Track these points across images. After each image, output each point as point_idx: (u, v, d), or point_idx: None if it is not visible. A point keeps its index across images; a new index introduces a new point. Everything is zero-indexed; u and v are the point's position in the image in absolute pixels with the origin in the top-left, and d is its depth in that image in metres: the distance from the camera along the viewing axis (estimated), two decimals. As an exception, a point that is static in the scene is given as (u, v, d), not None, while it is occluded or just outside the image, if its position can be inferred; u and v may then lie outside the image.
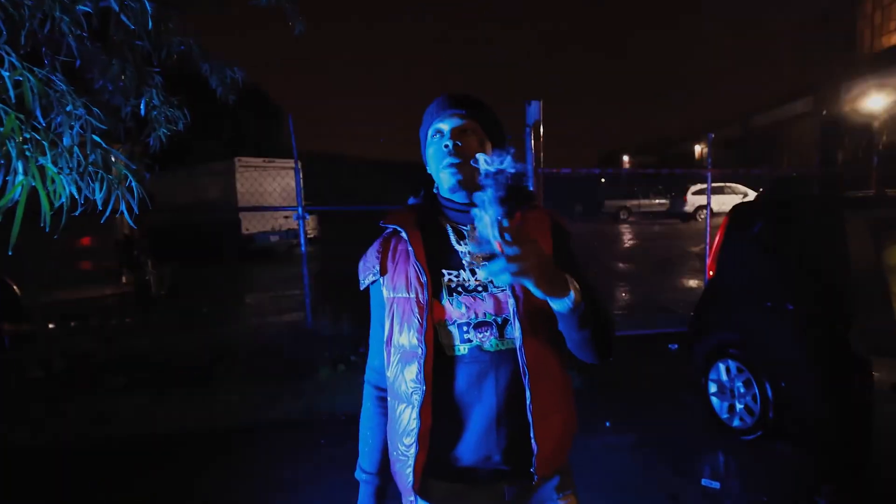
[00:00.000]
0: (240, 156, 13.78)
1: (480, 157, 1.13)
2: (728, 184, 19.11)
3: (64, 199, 1.17)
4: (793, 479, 2.90)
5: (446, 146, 1.14)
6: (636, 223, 21.43)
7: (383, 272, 1.19)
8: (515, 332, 1.09)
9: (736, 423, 3.38)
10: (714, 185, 6.47)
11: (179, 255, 10.12)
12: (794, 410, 3.01)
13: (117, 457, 3.33)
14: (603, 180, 25.01)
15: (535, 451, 1.09)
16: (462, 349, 1.11)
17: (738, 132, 23.69)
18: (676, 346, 5.09)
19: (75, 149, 1.28)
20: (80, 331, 5.83)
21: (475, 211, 0.88)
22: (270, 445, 3.43)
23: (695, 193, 19.64)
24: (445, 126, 1.16)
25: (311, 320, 5.38)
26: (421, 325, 1.10)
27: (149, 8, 1.62)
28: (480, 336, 1.10)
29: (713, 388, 3.56)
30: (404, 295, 1.13)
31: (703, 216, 18.87)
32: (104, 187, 1.31)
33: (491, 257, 0.88)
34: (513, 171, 0.94)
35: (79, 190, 1.25)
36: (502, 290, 1.11)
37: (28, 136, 1.09)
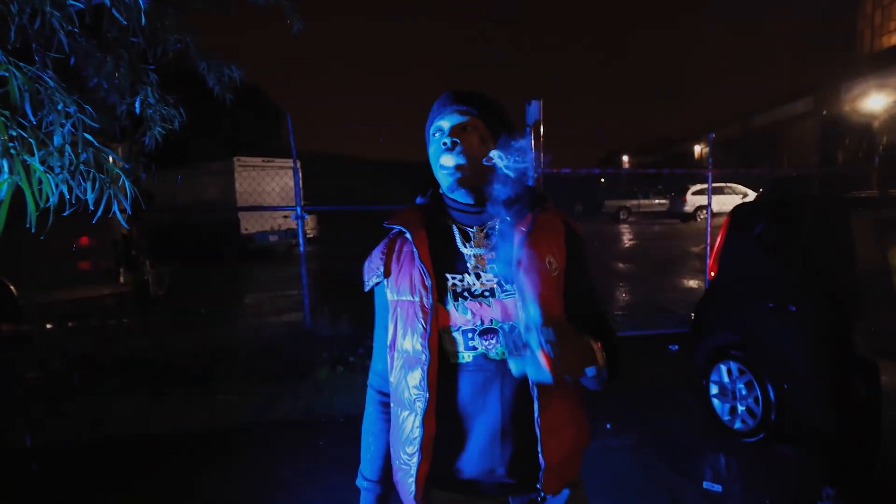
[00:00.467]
0: (239, 155, 13.77)
1: (495, 153, 1.09)
2: (728, 184, 19.11)
3: (54, 199, 1.14)
4: (795, 482, 2.87)
5: (444, 144, 1.11)
6: (636, 223, 21.41)
7: (387, 274, 1.15)
8: None
9: (737, 425, 3.35)
10: (714, 185, 6.44)
11: (178, 255, 10.10)
12: (796, 413, 2.99)
13: (115, 457, 3.31)
14: (603, 180, 24.99)
15: (543, 466, 1.06)
16: (466, 357, 1.07)
17: (738, 132, 23.69)
18: (677, 346, 5.06)
19: (67, 147, 1.25)
20: (78, 331, 5.80)
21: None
22: (269, 446, 3.41)
23: (694, 193, 19.63)
24: (446, 123, 1.13)
25: (309, 321, 5.35)
26: (425, 329, 1.06)
27: (142, 4, 1.59)
28: (486, 343, 1.07)
29: (714, 389, 3.53)
30: (408, 298, 1.10)
31: (702, 216, 18.88)
32: (96, 187, 1.28)
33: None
34: (523, 167, 0.91)
35: (70, 190, 1.22)
36: (510, 296, 1.07)
37: (14, 133, 1.06)
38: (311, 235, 15.43)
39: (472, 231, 1.14)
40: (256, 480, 3.00)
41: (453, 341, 1.08)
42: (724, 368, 3.47)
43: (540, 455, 1.05)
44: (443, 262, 1.11)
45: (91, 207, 1.29)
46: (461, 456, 1.08)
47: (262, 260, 13.13)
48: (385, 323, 1.17)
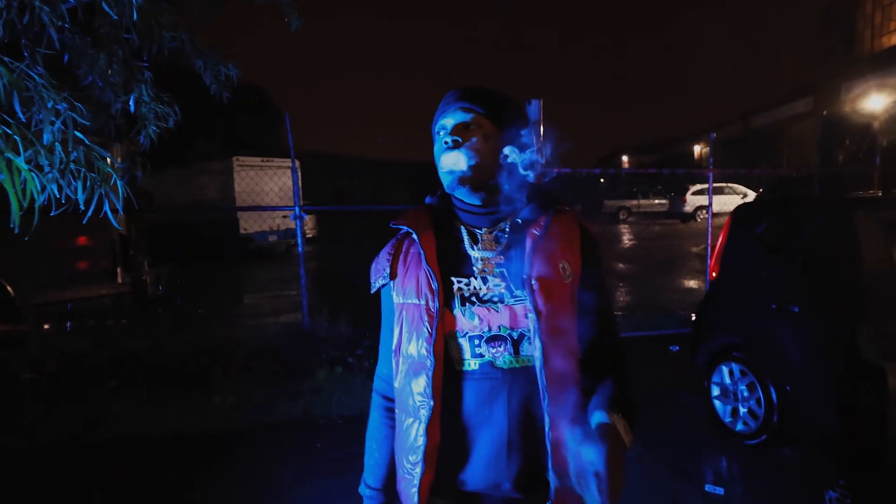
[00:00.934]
0: (238, 155, 13.74)
1: (508, 149, 1.06)
2: (728, 184, 19.10)
3: (43, 199, 1.11)
4: (798, 485, 2.85)
5: (446, 143, 1.07)
6: (636, 223, 21.39)
7: (393, 276, 1.11)
8: (535, 350, 1.00)
9: (739, 427, 3.32)
10: (714, 185, 6.42)
11: (177, 254, 10.07)
12: (799, 415, 2.96)
13: (111, 460, 3.27)
14: (602, 180, 24.97)
15: (553, 484, 1.00)
16: (472, 364, 1.03)
17: (738, 132, 23.67)
18: (677, 347, 5.03)
19: (57, 146, 1.22)
20: (75, 331, 5.76)
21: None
22: (267, 448, 3.38)
23: (694, 194, 19.62)
24: (449, 121, 1.09)
25: (308, 321, 5.32)
26: (430, 334, 1.02)
27: (133, -1, 1.56)
28: (493, 351, 1.02)
29: (716, 391, 3.51)
30: (414, 301, 1.06)
31: (702, 216, 18.88)
32: (87, 186, 1.25)
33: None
34: (534, 166, 0.88)
35: (60, 189, 1.19)
36: (520, 302, 1.03)
37: (-1, 130, 1.03)
38: (309, 235, 15.42)
39: (480, 233, 1.10)
40: (253, 484, 2.97)
41: (459, 348, 1.04)
42: (725, 370, 3.44)
43: (550, 471, 1.00)
44: (449, 265, 1.07)
45: (82, 207, 1.26)
46: (466, 467, 1.04)
47: (261, 260, 13.10)
48: (391, 326, 1.14)
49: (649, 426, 3.58)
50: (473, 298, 1.04)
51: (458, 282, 1.06)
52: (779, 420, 3.04)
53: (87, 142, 1.25)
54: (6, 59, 1.08)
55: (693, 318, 3.93)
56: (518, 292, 1.03)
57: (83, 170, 1.23)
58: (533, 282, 1.01)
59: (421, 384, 1.03)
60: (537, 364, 1.00)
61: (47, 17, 1.30)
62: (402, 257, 1.12)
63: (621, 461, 0.86)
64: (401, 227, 1.13)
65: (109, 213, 1.27)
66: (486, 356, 1.02)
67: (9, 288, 5.43)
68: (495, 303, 1.04)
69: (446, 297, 1.05)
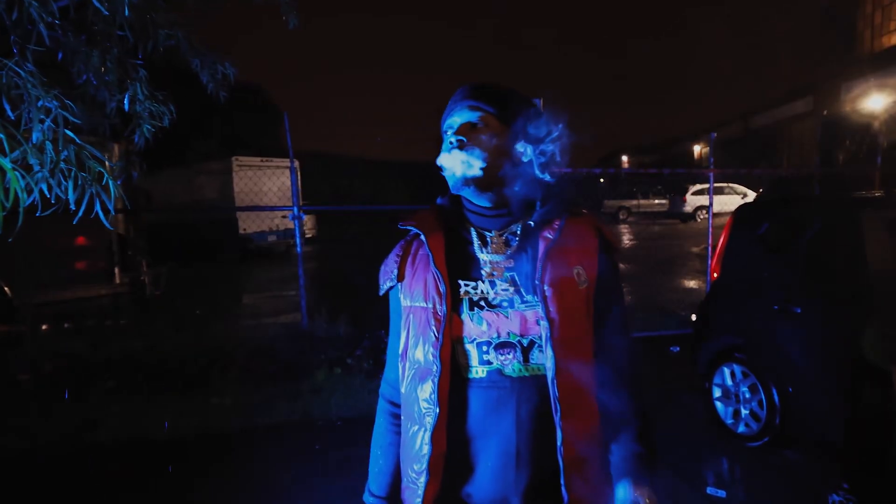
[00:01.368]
0: (237, 155, 13.71)
1: (520, 148, 1.02)
2: (728, 184, 19.09)
3: (31, 199, 1.08)
4: (801, 488, 2.82)
5: (451, 142, 1.04)
6: (636, 223, 21.37)
7: (401, 278, 1.08)
8: (547, 360, 0.96)
9: (741, 428, 3.30)
10: (715, 185, 6.39)
11: (176, 254, 10.03)
12: (802, 417, 2.94)
13: (108, 462, 3.25)
14: (602, 180, 24.95)
15: (566, 501, 0.96)
16: (480, 371, 0.99)
17: (738, 132, 23.65)
18: (678, 348, 5.01)
19: (47, 144, 1.19)
20: (73, 332, 5.73)
21: None
22: (264, 450, 3.35)
23: (694, 194, 19.61)
24: (456, 120, 1.05)
25: (306, 322, 5.29)
26: (437, 339, 0.99)
27: (124, -7, 1.53)
28: (502, 358, 0.98)
29: (717, 392, 3.48)
30: (421, 304, 1.03)
31: (702, 216, 18.85)
32: (78, 186, 1.22)
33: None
34: (549, 166, 0.85)
35: (49, 188, 1.16)
36: (531, 308, 0.98)
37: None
38: (309, 235, 15.40)
39: (490, 235, 1.06)
40: (251, 487, 2.94)
41: (466, 354, 1.00)
42: (727, 371, 3.42)
43: (563, 489, 0.95)
44: (458, 268, 1.03)
45: (72, 207, 1.23)
46: (472, 479, 1.00)
47: (260, 260, 13.08)
48: (398, 330, 1.10)
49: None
50: (482, 303, 1.01)
51: (466, 285, 1.02)
52: (781, 422, 3.01)
53: (77, 140, 1.22)
54: (-6, 56, 1.06)
55: (694, 319, 3.90)
56: (529, 297, 0.99)
57: (74, 169, 1.20)
58: (545, 287, 0.97)
59: (427, 390, 1.00)
60: (549, 374, 0.96)
61: (36, 12, 1.27)
62: (410, 259, 1.09)
63: None
64: (409, 228, 1.10)
65: (101, 214, 1.24)
66: (495, 363, 0.99)
67: (6, 288, 5.41)
68: (505, 308, 1.00)
69: (454, 300, 1.01)
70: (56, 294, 5.83)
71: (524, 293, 1.00)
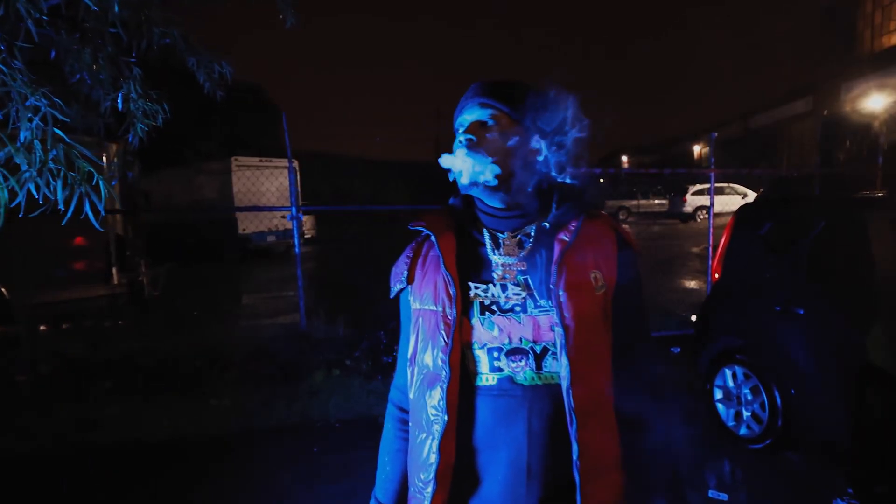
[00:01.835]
0: (236, 155, 13.69)
1: (536, 146, 0.98)
2: (728, 184, 19.08)
3: (16, 200, 1.05)
4: (803, 491, 2.79)
5: (460, 142, 1.00)
6: (636, 223, 21.35)
7: (410, 280, 1.04)
8: (562, 368, 0.91)
9: (743, 431, 3.27)
10: (715, 185, 6.37)
11: (175, 255, 10.00)
12: (805, 420, 2.91)
13: (105, 464, 3.22)
14: (602, 180, 24.93)
15: None
16: (490, 379, 0.95)
17: (738, 132, 23.63)
18: (679, 349, 4.98)
19: (36, 143, 1.17)
20: (71, 333, 5.70)
21: None
22: (263, 453, 3.33)
23: (694, 194, 19.60)
24: (467, 118, 1.02)
25: (304, 322, 5.26)
26: (447, 344, 0.94)
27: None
28: (513, 365, 0.94)
29: (719, 394, 3.46)
30: (431, 307, 0.99)
31: (702, 216, 18.83)
32: (67, 186, 1.19)
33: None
34: (565, 166, 0.82)
35: (37, 188, 1.13)
36: (544, 313, 0.94)
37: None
38: (309, 236, 15.37)
39: (502, 237, 1.02)
40: (249, 489, 2.92)
41: (476, 360, 0.96)
42: (728, 373, 3.39)
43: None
44: (468, 270, 1.00)
45: (61, 207, 1.20)
46: (481, 492, 0.96)
47: (259, 260, 13.05)
48: (409, 333, 1.06)
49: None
50: (494, 307, 0.96)
51: (476, 288, 0.98)
52: (784, 424, 2.99)
53: (67, 139, 1.19)
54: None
55: (695, 320, 3.88)
56: (542, 302, 0.95)
57: (63, 168, 1.17)
58: (560, 292, 0.93)
59: (435, 397, 0.96)
60: (563, 383, 0.91)
61: (24, 7, 1.24)
62: (420, 261, 1.05)
63: None
64: (420, 228, 1.06)
65: (90, 214, 1.21)
66: (506, 370, 0.94)
67: (3, 289, 5.38)
68: (517, 313, 0.95)
69: (465, 304, 0.97)
70: (54, 294, 5.79)
71: (537, 297, 0.96)
